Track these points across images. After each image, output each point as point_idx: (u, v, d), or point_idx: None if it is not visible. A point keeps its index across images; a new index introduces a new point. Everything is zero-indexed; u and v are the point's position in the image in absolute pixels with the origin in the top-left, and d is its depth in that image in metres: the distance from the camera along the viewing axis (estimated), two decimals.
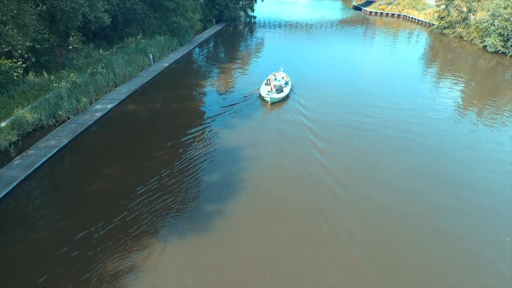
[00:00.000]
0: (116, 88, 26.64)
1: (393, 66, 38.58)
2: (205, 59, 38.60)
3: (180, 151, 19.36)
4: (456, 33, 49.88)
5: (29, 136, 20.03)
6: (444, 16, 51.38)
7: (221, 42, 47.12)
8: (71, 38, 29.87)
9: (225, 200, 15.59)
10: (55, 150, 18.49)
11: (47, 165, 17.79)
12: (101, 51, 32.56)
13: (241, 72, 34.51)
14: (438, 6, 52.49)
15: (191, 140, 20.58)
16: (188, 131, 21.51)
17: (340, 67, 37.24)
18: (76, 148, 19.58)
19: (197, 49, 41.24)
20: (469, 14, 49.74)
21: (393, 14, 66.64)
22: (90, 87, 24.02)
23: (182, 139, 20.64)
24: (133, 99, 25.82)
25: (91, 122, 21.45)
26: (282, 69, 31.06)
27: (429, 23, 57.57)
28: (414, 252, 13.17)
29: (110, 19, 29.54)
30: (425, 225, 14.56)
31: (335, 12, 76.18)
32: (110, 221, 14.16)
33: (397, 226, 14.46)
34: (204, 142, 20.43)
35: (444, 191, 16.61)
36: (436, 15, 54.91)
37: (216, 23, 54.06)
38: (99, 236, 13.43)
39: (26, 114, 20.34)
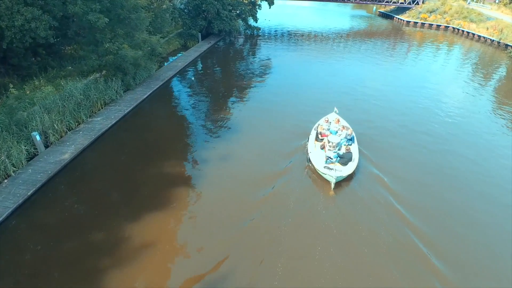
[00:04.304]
0: None
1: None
2: (171, 118, 19.99)
3: None
4: None
5: None
6: None
7: (207, 73, 28.41)
8: None
9: None
10: None
11: None
12: None
13: (256, 128, 18.18)
14: None
15: None
16: None
17: (399, 101, 22.90)
18: None
19: (161, 92, 22.65)
20: None
21: (438, 26, 47.81)
22: None
23: None
24: None
25: None
26: (336, 110, 17.44)
27: (499, 42, 38.95)
28: None
29: None
30: None
31: (355, 20, 57.13)
32: None
33: None
34: None
35: None
36: None
37: (204, 38, 35.25)
38: None
39: None
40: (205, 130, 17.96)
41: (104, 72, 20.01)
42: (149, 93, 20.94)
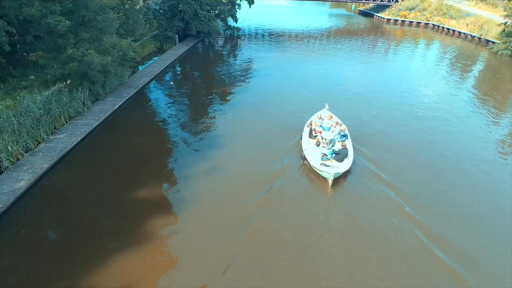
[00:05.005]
0: None
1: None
2: (148, 129, 17.83)
3: None
4: None
5: None
6: None
7: (186, 77, 26.28)
8: None
9: None
10: None
11: None
12: None
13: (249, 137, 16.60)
14: (507, 16, 33.40)
15: None
16: None
17: (385, 98, 22.36)
18: None
19: (136, 101, 20.47)
20: None
21: (418, 23, 47.25)
22: None
23: None
24: None
25: None
26: (327, 107, 17.35)
27: (479, 38, 38.58)
28: None
29: None
30: None
31: (335, 19, 56.11)
32: None
33: None
34: None
35: None
36: (497, 28, 36.10)
37: (181, 40, 33.10)
38: None
39: None
40: (188, 140, 16.19)
41: (69, 81, 17.68)
42: (121, 103, 18.75)
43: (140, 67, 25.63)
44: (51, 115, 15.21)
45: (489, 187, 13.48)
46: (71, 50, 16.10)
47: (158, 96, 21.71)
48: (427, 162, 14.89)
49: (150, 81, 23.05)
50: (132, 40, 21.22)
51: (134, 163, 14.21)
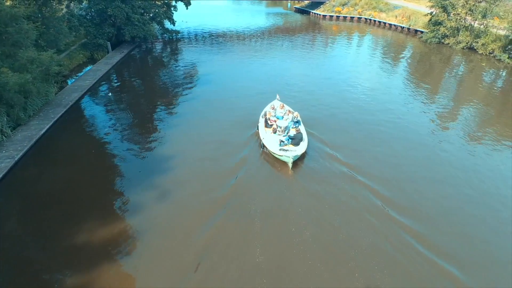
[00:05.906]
0: None
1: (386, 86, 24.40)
2: (85, 153, 15.32)
3: None
4: (464, 44, 33.41)
5: None
6: (443, 21, 34.62)
7: (125, 88, 23.60)
8: None
9: None
10: None
11: None
12: None
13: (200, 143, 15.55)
14: (433, 6, 35.45)
15: None
16: None
17: (328, 87, 23.69)
18: None
19: (67, 121, 17.75)
20: (473, 23, 33.83)
21: (352, 18, 48.79)
22: None
23: None
24: None
25: None
26: (278, 97, 18.24)
27: (408, 28, 40.79)
28: None
29: None
30: None
31: (273, 17, 56.07)
32: None
33: None
34: None
35: None
36: (423, 19, 38.34)
37: (114, 47, 30.18)
38: None
39: None
40: (135, 158, 14.45)
41: None
42: (49, 126, 16.04)
43: (70, 81, 22.65)
44: None
45: (431, 158, 15.06)
46: None
47: (93, 113, 19.14)
48: (372, 140, 16.28)
49: (82, 96, 20.35)
50: (55, 52, 18.49)
51: (73, 196, 11.98)
